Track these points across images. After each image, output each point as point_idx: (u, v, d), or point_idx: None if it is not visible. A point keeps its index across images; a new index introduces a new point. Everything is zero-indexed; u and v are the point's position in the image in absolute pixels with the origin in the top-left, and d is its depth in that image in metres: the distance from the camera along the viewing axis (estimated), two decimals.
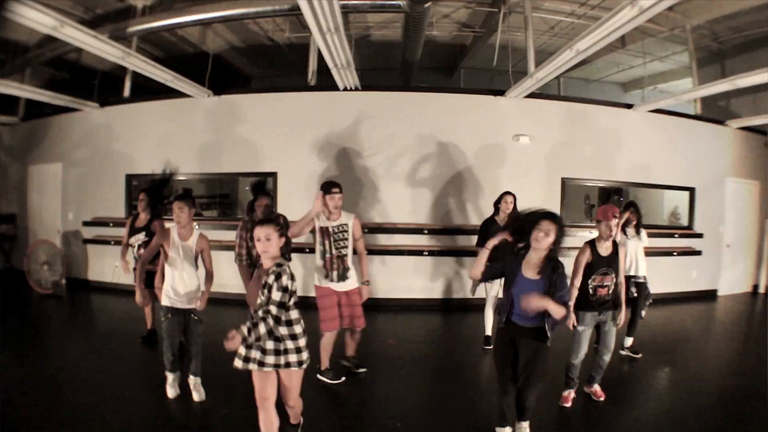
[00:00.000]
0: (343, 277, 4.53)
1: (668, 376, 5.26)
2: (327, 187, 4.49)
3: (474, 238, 7.74)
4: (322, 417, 3.86)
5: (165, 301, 4.20)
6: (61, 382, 4.58)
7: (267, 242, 2.94)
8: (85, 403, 4.09)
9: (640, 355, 5.54)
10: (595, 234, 4.26)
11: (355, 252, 4.73)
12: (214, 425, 3.82)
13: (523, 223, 3.07)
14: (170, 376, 4.30)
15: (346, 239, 4.56)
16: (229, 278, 7.90)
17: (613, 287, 4.10)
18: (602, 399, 4.32)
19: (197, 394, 4.24)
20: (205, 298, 4.27)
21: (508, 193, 5.61)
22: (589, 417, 4.12)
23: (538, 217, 3.00)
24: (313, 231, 4.54)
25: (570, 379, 4.26)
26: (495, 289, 5.59)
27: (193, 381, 4.30)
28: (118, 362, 5.14)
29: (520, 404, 3.28)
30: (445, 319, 7.44)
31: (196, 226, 4.42)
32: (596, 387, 4.40)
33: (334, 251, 4.47)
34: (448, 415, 4.04)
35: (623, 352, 5.59)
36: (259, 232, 2.95)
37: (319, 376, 4.66)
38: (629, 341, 5.67)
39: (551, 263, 3.03)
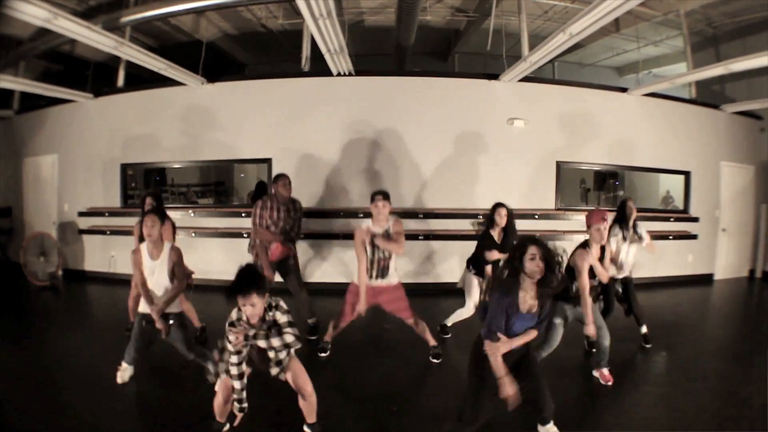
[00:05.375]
0: (381, 276, 4.74)
1: (664, 360, 5.26)
2: (372, 197, 4.73)
3: (467, 222, 7.86)
4: (318, 400, 3.87)
5: (141, 308, 4.17)
6: (57, 373, 4.59)
7: (252, 308, 2.99)
8: (82, 394, 4.10)
9: (650, 346, 5.38)
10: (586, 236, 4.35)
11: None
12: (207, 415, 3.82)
13: (514, 251, 3.06)
14: (125, 365, 4.30)
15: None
16: (224, 264, 7.96)
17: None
18: (610, 383, 4.31)
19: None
20: (160, 305, 4.05)
21: (501, 205, 5.39)
22: (584, 400, 4.15)
23: (525, 242, 3.00)
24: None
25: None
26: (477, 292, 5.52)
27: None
28: (115, 353, 5.11)
29: (541, 401, 3.19)
30: (438, 304, 7.44)
31: (167, 244, 4.24)
32: (605, 370, 4.37)
33: (376, 256, 4.67)
34: (444, 399, 4.06)
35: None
36: (244, 301, 2.97)
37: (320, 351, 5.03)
38: (644, 328, 5.46)
39: (549, 301, 3.04)
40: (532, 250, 2.92)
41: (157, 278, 4.09)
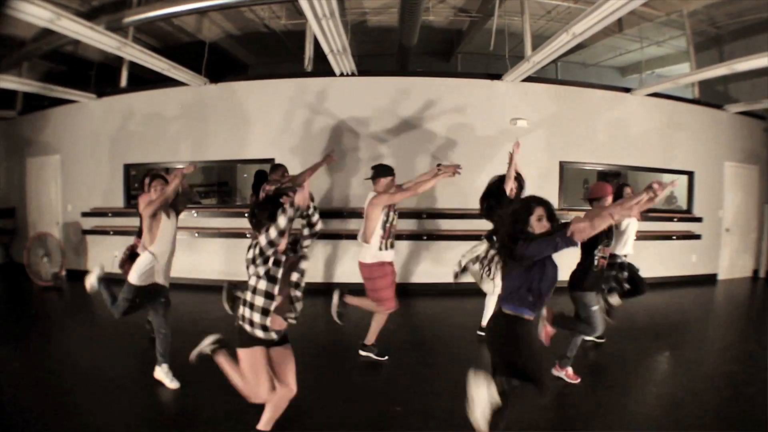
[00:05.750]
0: (392, 246, 4.79)
1: (668, 360, 5.27)
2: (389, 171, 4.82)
3: (470, 222, 7.82)
4: (320, 401, 3.86)
5: (145, 280, 4.08)
6: (60, 374, 4.59)
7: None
8: (85, 395, 4.10)
9: (603, 340, 5.40)
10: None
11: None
12: (213, 415, 3.79)
13: (518, 213, 2.99)
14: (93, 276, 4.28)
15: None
16: (227, 265, 7.98)
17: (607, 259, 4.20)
18: (577, 382, 4.33)
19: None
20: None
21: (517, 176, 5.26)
22: (587, 401, 4.11)
23: (530, 203, 2.99)
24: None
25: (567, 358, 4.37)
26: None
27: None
28: (118, 353, 5.13)
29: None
30: (441, 304, 7.43)
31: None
32: (570, 369, 4.39)
33: (394, 221, 4.76)
34: (449, 400, 4.06)
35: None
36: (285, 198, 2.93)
37: (363, 352, 4.89)
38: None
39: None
40: (539, 211, 2.92)
41: (171, 233, 4.22)
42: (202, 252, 8.11)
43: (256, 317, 2.90)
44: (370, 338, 4.89)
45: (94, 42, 6.25)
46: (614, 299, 5.30)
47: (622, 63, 11.52)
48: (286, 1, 7.75)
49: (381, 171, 4.79)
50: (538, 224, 2.91)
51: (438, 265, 8.03)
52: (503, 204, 5.16)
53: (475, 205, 7.72)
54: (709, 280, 9.23)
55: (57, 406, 3.86)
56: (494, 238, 5.30)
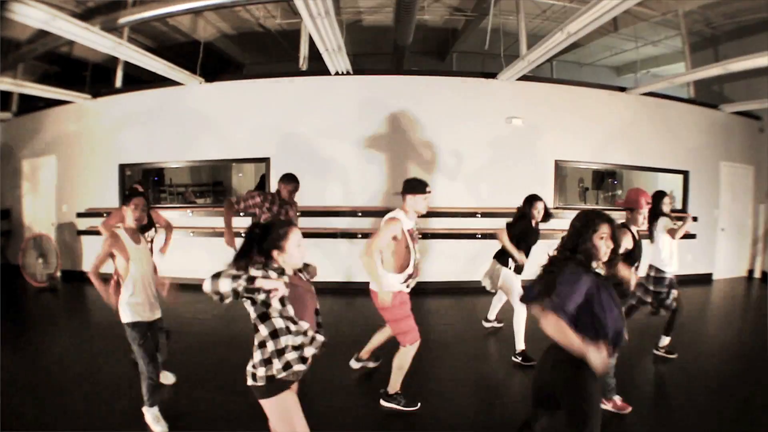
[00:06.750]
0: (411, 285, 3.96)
1: (664, 359, 5.25)
2: (422, 187, 4.07)
3: (468, 221, 7.88)
4: (318, 401, 3.85)
5: (134, 317, 3.61)
6: (56, 375, 4.58)
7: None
8: (79, 396, 4.08)
9: (675, 356, 5.12)
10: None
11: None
12: (211, 417, 3.79)
13: (581, 229, 2.50)
14: (155, 410, 3.63)
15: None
16: (222, 264, 7.94)
17: None
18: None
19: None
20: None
21: (538, 198, 5.11)
22: None
23: (595, 219, 2.50)
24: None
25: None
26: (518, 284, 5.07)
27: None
28: (114, 354, 5.09)
29: None
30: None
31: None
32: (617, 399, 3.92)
33: (417, 255, 3.93)
34: (443, 399, 4.06)
35: (657, 352, 5.18)
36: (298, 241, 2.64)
37: (386, 403, 3.94)
38: (666, 341, 5.18)
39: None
40: (604, 228, 2.46)
41: (146, 262, 3.75)
42: (198, 251, 8.07)
43: (292, 356, 2.49)
44: (394, 384, 3.93)
45: (90, 42, 6.23)
46: (663, 341, 5.15)
47: (618, 62, 11.56)
48: (281, 1, 7.76)
49: (414, 186, 4.09)
50: (601, 243, 2.46)
51: (433, 264, 8.04)
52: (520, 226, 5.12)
53: (469, 204, 7.84)
54: (705, 279, 9.24)
55: (51, 407, 3.85)
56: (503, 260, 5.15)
